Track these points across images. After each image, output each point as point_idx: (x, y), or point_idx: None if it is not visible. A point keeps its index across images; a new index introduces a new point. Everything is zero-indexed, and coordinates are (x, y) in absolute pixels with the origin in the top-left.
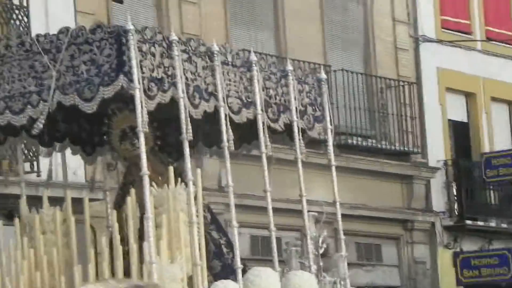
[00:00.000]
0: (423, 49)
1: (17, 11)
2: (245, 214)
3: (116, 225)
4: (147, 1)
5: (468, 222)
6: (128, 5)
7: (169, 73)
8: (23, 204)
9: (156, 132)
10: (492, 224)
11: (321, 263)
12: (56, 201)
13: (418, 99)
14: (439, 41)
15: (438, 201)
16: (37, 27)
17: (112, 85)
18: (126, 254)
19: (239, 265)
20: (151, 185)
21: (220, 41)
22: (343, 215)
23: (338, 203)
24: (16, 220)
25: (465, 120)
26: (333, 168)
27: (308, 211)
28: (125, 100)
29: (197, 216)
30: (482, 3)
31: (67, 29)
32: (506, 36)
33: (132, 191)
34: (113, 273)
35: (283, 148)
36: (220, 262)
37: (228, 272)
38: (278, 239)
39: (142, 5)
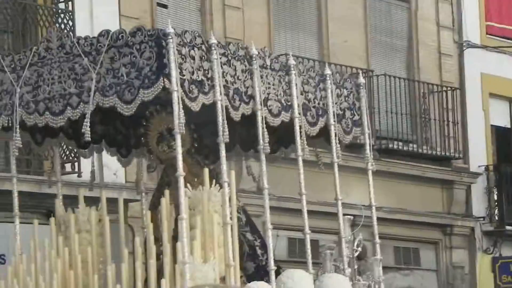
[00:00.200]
0: (467, 54)
1: (62, 15)
2: (283, 217)
3: (150, 226)
4: (191, 6)
5: (509, 227)
6: (173, 9)
7: (209, 76)
8: (58, 203)
9: (193, 134)
10: None
11: (356, 266)
12: (97, 202)
13: (461, 104)
14: (484, 47)
15: (479, 207)
16: (82, 31)
17: (152, 88)
18: (161, 254)
19: (272, 266)
20: (186, 186)
21: (263, 46)
22: (382, 219)
23: (374, 207)
24: (52, 219)
25: (508, 125)
26: (370, 172)
27: (344, 214)
28: (163, 102)
29: (231, 217)
30: None
31: (107, 31)
32: None
33: (167, 192)
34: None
35: (324, 152)
36: (254, 264)
37: (262, 274)
38: (316, 242)
39: (186, 10)
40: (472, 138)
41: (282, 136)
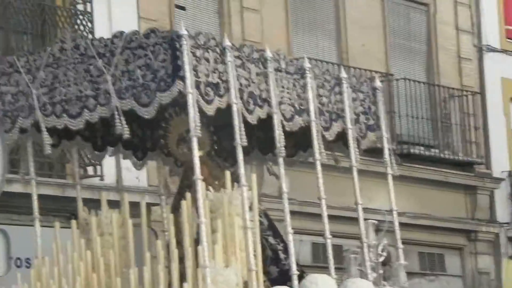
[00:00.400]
0: (487, 58)
1: (80, 17)
2: (307, 221)
3: (172, 229)
4: (210, 8)
5: None
6: (191, 11)
7: (224, 78)
8: (80, 206)
9: (213, 137)
10: None
11: (380, 271)
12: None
13: (482, 109)
14: (504, 51)
15: (503, 212)
16: (101, 33)
17: (169, 91)
18: (183, 258)
19: (294, 271)
20: (207, 189)
21: (281, 49)
22: (406, 225)
23: (395, 212)
24: (73, 222)
25: None
26: (390, 177)
27: (367, 219)
28: (182, 104)
29: (252, 221)
30: None
31: (121, 33)
32: None
33: (188, 195)
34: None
35: (342, 156)
36: (277, 268)
37: (285, 278)
38: (339, 247)
39: (204, 12)
40: (494, 143)
41: (300, 140)
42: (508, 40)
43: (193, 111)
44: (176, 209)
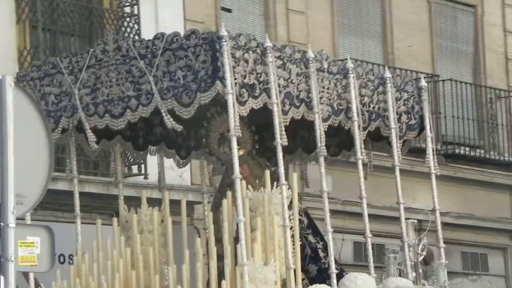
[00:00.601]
0: None
1: (128, 19)
2: (349, 221)
3: (211, 227)
4: (256, 10)
5: None
6: (237, 14)
7: (261, 79)
8: (121, 204)
9: (254, 136)
10: None
11: (420, 271)
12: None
13: None
14: None
15: None
16: (147, 35)
17: (209, 91)
18: (223, 256)
19: (333, 269)
20: (247, 188)
21: (326, 50)
22: (449, 224)
23: (438, 211)
24: (114, 219)
25: None
26: (433, 176)
27: (409, 218)
28: (224, 103)
29: (291, 219)
30: None
31: (162, 34)
32: None
33: (229, 193)
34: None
35: (384, 156)
36: (316, 266)
37: (324, 277)
38: (381, 246)
39: (250, 14)
40: None
41: (344, 139)
42: None
43: (233, 111)
44: (216, 208)
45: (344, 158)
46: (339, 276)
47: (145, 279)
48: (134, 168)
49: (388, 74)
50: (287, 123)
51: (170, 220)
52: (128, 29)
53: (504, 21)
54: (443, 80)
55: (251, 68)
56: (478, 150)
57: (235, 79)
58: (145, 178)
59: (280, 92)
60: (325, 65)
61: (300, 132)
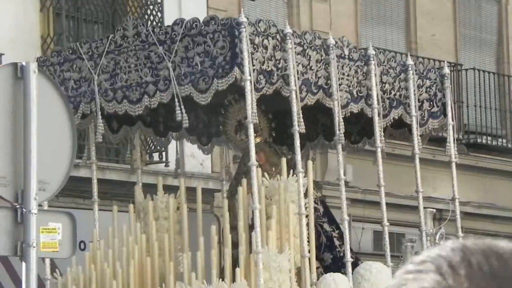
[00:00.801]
0: None
1: (151, 7)
2: (369, 210)
3: (226, 215)
4: None
5: None
6: (260, 2)
7: (280, 66)
8: (137, 190)
9: (271, 124)
10: None
11: None
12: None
13: None
14: None
15: None
16: (171, 23)
17: (226, 78)
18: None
19: (349, 258)
20: (263, 175)
21: (350, 39)
22: (471, 214)
23: (457, 200)
24: (130, 206)
25: None
26: (453, 165)
27: (429, 208)
28: (241, 91)
29: (306, 208)
30: None
31: (181, 20)
32: None
33: (244, 181)
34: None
35: (404, 144)
36: (331, 255)
37: (339, 265)
38: (401, 235)
39: (273, 2)
40: None
41: (365, 127)
42: None
43: (250, 98)
44: (232, 195)
45: (362, 145)
46: (354, 265)
47: (160, 266)
48: (155, 156)
49: (410, 61)
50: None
51: (185, 207)
52: (151, 17)
53: None
54: (466, 69)
55: (270, 55)
56: (500, 140)
57: (253, 65)
58: (166, 165)
59: (298, 78)
60: (346, 52)
61: (322, 119)
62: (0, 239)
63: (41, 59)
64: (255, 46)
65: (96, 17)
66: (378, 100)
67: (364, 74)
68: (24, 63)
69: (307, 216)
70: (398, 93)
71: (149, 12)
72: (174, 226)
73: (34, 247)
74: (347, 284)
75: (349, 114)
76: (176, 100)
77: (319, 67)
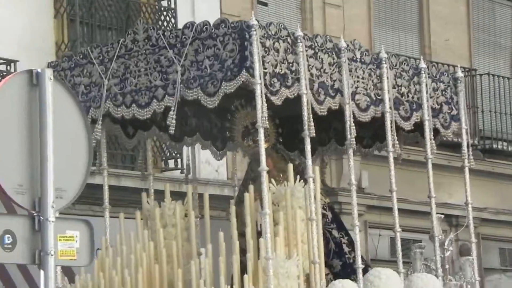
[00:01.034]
0: None
1: (165, 13)
2: (385, 216)
3: (234, 221)
4: (292, 3)
5: None
6: (273, 7)
7: (293, 69)
8: (144, 197)
9: (278, 129)
10: None
11: (447, 266)
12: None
13: None
14: None
15: None
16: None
17: (234, 80)
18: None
19: (359, 264)
20: (270, 181)
21: (363, 44)
22: (487, 220)
23: (470, 205)
24: (137, 213)
25: None
26: (466, 170)
27: (447, 214)
28: (248, 96)
29: (315, 213)
30: None
31: (192, 23)
32: None
33: (251, 187)
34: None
35: (418, 150)
36: (340, 261)
37: (348, 272)
38: (418, 242)
39: (287, 8)
40: None
41: (378, 131)
42: None
43: (260, 102)
44: (240, 202)
45: (376, 151)
46: (364, 271)
47: (168, 273)
48: (171, 162)
49: (423, 65)
50: (325, 113)
51: (193, 214)
52: (165, 23)
53: None
54: (481, 75)
55: (282, 58)
56: None
57: (265, 68)
58: (182, 172)
59: (313, 81)
60: (358, 55)
61: (334, 124)
62: (18, 248)
63: (52, 64)
64: (266, 49)
65: (110, 23)
66: (395, 103)
67: (378, 77)
68: (39, 70)
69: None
70: (415, 96)
71: (162, 18)
72: (182, 233)
73: (52, 255)
74: None
75: (370, 118)
76: (172, 107)
77: (333, 70)
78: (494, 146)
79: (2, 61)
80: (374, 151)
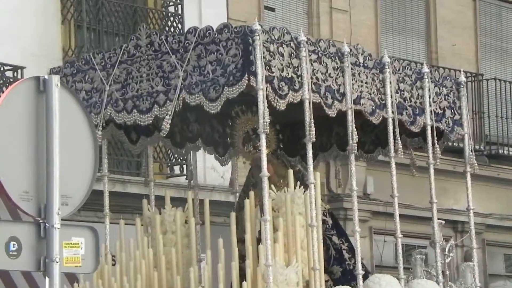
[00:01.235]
0: None
1: (172, 18)
2: (391, 222)
3: (233, 227)
4: (299, 9)
5: None
6: (280, 12)
7: (299, 73)
8: (145, 204)
9: (278, 135)
10: None
11: (447, 272)
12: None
13: None
14: None
15: None
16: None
17: (236, 85)
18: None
19: (359, 271)
20: (270, 188)
21: (370, 49)
22: (492, 226)
23: (471, 211)
24: (137, 219)
25: None
26: (468, 175)
27: (439, 219)
28: (248, 102)
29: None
30: None
31: (195, 29)
32: None
33: (251, 193)
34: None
35: (421, 155)
36: (340, 268)
37: (348, 278)
38: (423, 248)
39: (293, 13)
40: None
41: (380, 136)
42: None
43: (262, 107)
44: (241, 208)
45: (378, 156)
46: (365, 278)
47: (167, 280)
48: (176, 169)
49: (425, 69)
50: (335, 115)
51: (193, 220)
52: (172, 29)
53: None
54: (487, 79)
55: (287, 62)
56: None
57: (272, 72)
58: (187, 178)
59: (320, 86)
60: (361, 59)
61: (336, 129)
62: (24, 254)
63: (54, 70)
64: (271, 53)
65: (117, 29)
66: (398, 107)
67: (381, 82)
68: (46, 77)
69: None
70: (418, 101)
71: (169, 23)
72: (182, 240)
73: (57, 262)
74: None
75: (377, 121)
76: (169, 113)
77: (338, 75)
78: (500, 151)
79: (9, 67)
80: (377, 157)
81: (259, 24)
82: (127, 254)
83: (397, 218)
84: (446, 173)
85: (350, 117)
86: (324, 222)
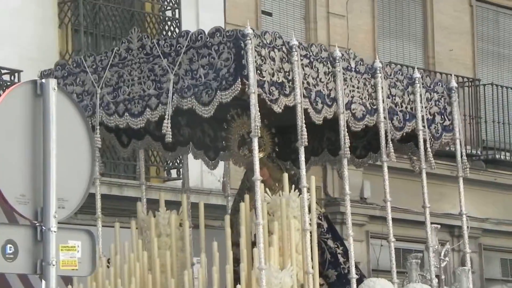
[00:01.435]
0: None
1: (169, 23)
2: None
3: (228, 231)
4: (296, 14)
5: None
6: (277, 17)
7: (290, 77)
8: (140, 207)
9: (274, 139)
10: None
11: (443, 276)
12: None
13: None
14: None
15: None
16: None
17: (230, 90)
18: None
19: (354, 274)
20: (265, 191)
21: (367, 54)
22: (489, 231)
23: (464, 216)
24: (132, 222)
25: None
26: (461, 180)
27: (432, 223)
28: (243, 105)
29: (310, 223)
30: None
31: (186, 32)
32: None
33: (246, 197)
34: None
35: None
36: (335, 272)
37: (343, 282)
38: (420, 252)
39: (290, 18)
40: None
41: (372, 141)
42: None
43: (254, 111)
44: (236, 211)
45: (370, 161)
46: (359, 282)
47: (162, 283)
48: (173, 172)
49: (417, 74)
50: (321, 122)
51: (187, 224)
52: (169, 33)
53: None
54: (484, 85)
55: (278, 66)
56: None
57: (263, 77)
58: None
59: (310, 90)
60: (353, 64)
61: (327, 134)
62: (20, 257)
63: (45, 73)
64: (262, 57)
65: (114, 33)
66: (389, 113)
67: (372, 87)
68: (43, 80)
69: (310, 232)
70: (409, 106)
71: (167, 28)
72: (177, 243)
73: (53, 265)
74: None
75: (364, 127)
76: (166, 116)
77: (329, 80)
78: (497, 156)
79: (6, 71)
80: (368, 162)
81: (251, 28)
82: (121, 257)
83: (390, 222)
84: (443, 178)
85: (343, 122)
86: (319, 225)
